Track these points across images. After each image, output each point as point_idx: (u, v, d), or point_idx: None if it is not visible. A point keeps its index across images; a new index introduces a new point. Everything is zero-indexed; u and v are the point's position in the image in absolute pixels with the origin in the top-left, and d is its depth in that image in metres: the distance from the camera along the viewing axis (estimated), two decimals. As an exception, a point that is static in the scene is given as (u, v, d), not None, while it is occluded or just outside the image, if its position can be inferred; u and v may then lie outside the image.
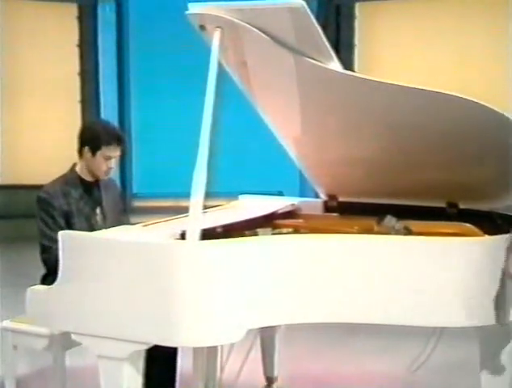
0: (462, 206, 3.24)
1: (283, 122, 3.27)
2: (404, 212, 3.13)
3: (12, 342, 3.31)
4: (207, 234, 2.59)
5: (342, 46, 8.22)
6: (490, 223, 2.96)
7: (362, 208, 3.36)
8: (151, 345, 2.57)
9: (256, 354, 3.67)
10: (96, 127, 3.51)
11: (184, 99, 8.04)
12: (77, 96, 9.01)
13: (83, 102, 9.01)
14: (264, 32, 2.77)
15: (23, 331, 3.25)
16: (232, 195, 3.86)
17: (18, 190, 8.32)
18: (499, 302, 2.61)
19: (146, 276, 2.48)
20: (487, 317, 2.65)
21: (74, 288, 2.62)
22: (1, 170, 8.23)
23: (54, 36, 8.94)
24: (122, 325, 2.53)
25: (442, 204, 3.25)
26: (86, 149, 3.37)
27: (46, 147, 8.81)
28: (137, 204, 9.00)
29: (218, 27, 2.73)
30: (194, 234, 2.51)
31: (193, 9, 2.79)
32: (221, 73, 2.80)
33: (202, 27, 2.80)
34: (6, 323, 3.35)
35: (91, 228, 3.29)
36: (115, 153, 3.38)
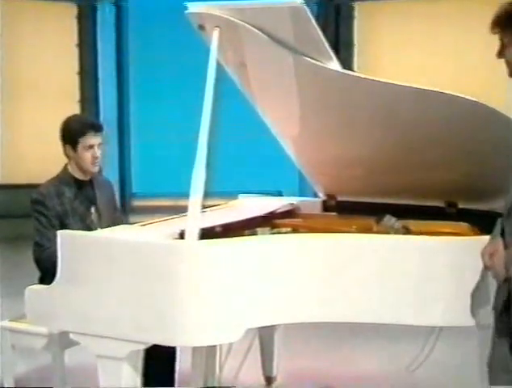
0: (461, 206, 3.24)
1: (283, 121, 3.27)
2: (403, 212, 3.13)
3: (11, 341, 3.31)
4: (206, 234, 2.59)
5: (342, 46, 8.24)
6: (489, 223, 2.96)
7: (361, 208, 3.36)
8: (149, 345, 2.57)
9: (255, 353, 3.68)
10: (68, 122, 3.47)
11: (183, 98, 8.04)
12: (77, 96, 9.01)
13: (82, 102, 9.01)
14: (263, 32, 2.77)
15: (21, 330, 3.25)
16: (231, 194, 3.86)
17: (18, 189, 8.32)
18: (482, 303, 2.62)
19: (145, 275, 2.47)
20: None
21: (73, 287, 2.62)
22: (1, 169, 8.22)
23: (53, 36, 8.94)
24: (120, 324, 2.52)
25: (442, 204, 3.26)
26: (68, 147, 3.39)
27: (45, 147, 8.80)
28: (136, 203, 9.00)
29: (217, 26, 2.73)
30: (193, 233, 2.51)
31: (192, 8, 2.80)
32: (220, 73, 2.80)
33: (201, 27, 2.81)
34: (5, 323, 3.35)
35: (86, 227, 3.29)
36: (94, 140, 3.36)
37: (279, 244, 2.68)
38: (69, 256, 2.63)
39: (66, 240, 2.65)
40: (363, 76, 2.93)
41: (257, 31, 2.76)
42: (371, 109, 2.97)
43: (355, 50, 8.48)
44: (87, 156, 3.35)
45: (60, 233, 2.67)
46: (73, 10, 9.01)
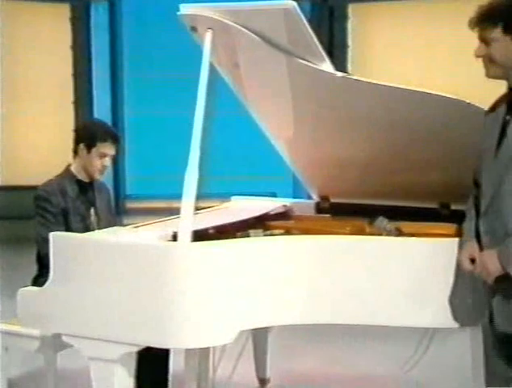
0: (454, 207, 3.24)
1: (275, 123, 3.28)
2: (397, 213, 3.13)
3: (4, 344, 3.30)
4: (199, 236, 2.59)
5: (336, 47, 8.24)
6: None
7: (354, 210, 3.36)
8: (142, 347, 2.57)
9: (249, 355, 3.68)
10: (92, 125, 3.64)
11: (177, 100, 8.01)
12: (71, 97, 9.00)
13: (76, 103, 8.99)
14: (256, 34, 2.77)
15: (14, 332, 3.24)
16: (225, 196, 3.86)
17: (13, 191, 8.31)
18: (465, 305, 2.63)
19: (137, 277, 2.47)
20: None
21: (65, 289, 2.61)
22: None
23: (47, 37, 8.93)
24: (113, 326, 2.52)
25: (435, 205, 3.26)
26: (82, 146, 3.41)
27: (39, 148, 8.80)
28: (130, 205, 8.99)
29: (209, 28, 2.73)
30: (185, 235, 2.50)
31: (184, 10, 2.79)
32: (214, 75, 2.80)
33: (193, 29, 2.80)
34: (-2, 325, 3.34)
35: (86, 228, 3.32)
36: (110, 150, 3.42)
37: (272, 246, 2.68)
38: (61, 258, 2.63)
39: (58, 241, 2.65)
40: (355, 77, 2.93)
41: (249, 32, 2.76)
42: (364, 111, 2.98)
43: (349, 51, 8.49)
44: (98, 163, 3.40)
45: (52, 234, 2.67)
46: (66, 12, 9.00)
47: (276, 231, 3.06)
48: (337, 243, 2.70)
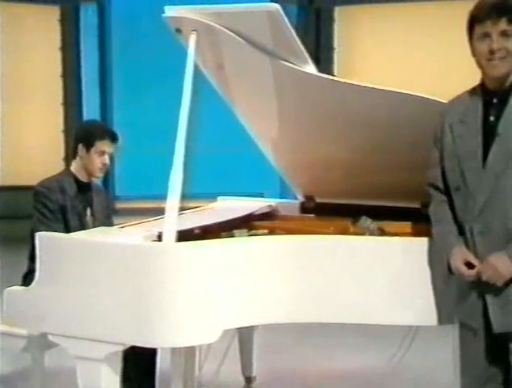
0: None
1: (260, 124, 3.30)
2: (380, 213, 3.16)
3: (-9, 343, 3.32)
4: (185, 236, 2.61)
5: (322, 49, 8.28)
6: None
7: (338, 209, 3.39)
8: (128, 346, 2.58)
9: (235, 354, 3.70)
10: (90, 125, 3.77)
11: (166, 100, 7.96)
12: (60, 98, 9.00)
13: (65, 104, 9.00)
14: (240, 36, 2.79)
15: (1, 331, 3.24)
16: (212, 196, 3.88)
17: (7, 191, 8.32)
18: (444, 302, 2.64)
19: (122, 277, 2.49)
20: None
21: (52, 289, 2.63)
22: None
23: (36, 39, 8.92)
24: (98, 326, 2.53)
25: (417, 205, 3.29)
26: (81, 146, 3.45)
27: (29, 148, 8.79)
28: (120, 205, 8.97)
29: (194, 30, 2.75)
30: (170, 235, 2.52)
31: (169, 12, 2.81)
32: (200, 76, 2.82)
33: (178, 31, 2.82)
34: (-16, 325, 3.35)
35: (83, 227, 3.34)
36: (108, 148, 3.47)
37: (256, 246, 2.71)
38: (47, 258, 2.64)
39: (45, 242, 2.67)
40: (338, 79, 2.96)
41: (234, 35, 2.79)
42: (347, 112, 3.00)
43: (335, 54, 8.52)
44: (97, 161, 3.44)
45: (38, 234, 2.68)
46: (55, 13, 9.00)
47: (260, 231, 3.08)
48: (319, 243, 2.73)
